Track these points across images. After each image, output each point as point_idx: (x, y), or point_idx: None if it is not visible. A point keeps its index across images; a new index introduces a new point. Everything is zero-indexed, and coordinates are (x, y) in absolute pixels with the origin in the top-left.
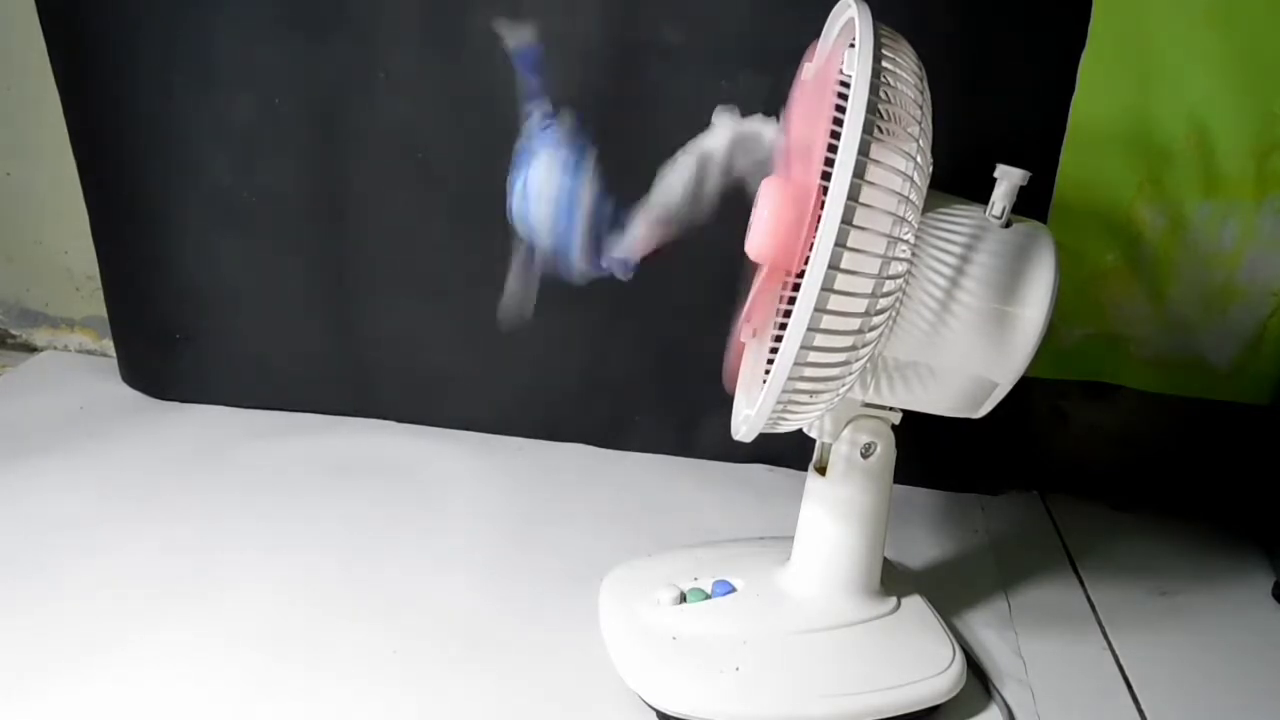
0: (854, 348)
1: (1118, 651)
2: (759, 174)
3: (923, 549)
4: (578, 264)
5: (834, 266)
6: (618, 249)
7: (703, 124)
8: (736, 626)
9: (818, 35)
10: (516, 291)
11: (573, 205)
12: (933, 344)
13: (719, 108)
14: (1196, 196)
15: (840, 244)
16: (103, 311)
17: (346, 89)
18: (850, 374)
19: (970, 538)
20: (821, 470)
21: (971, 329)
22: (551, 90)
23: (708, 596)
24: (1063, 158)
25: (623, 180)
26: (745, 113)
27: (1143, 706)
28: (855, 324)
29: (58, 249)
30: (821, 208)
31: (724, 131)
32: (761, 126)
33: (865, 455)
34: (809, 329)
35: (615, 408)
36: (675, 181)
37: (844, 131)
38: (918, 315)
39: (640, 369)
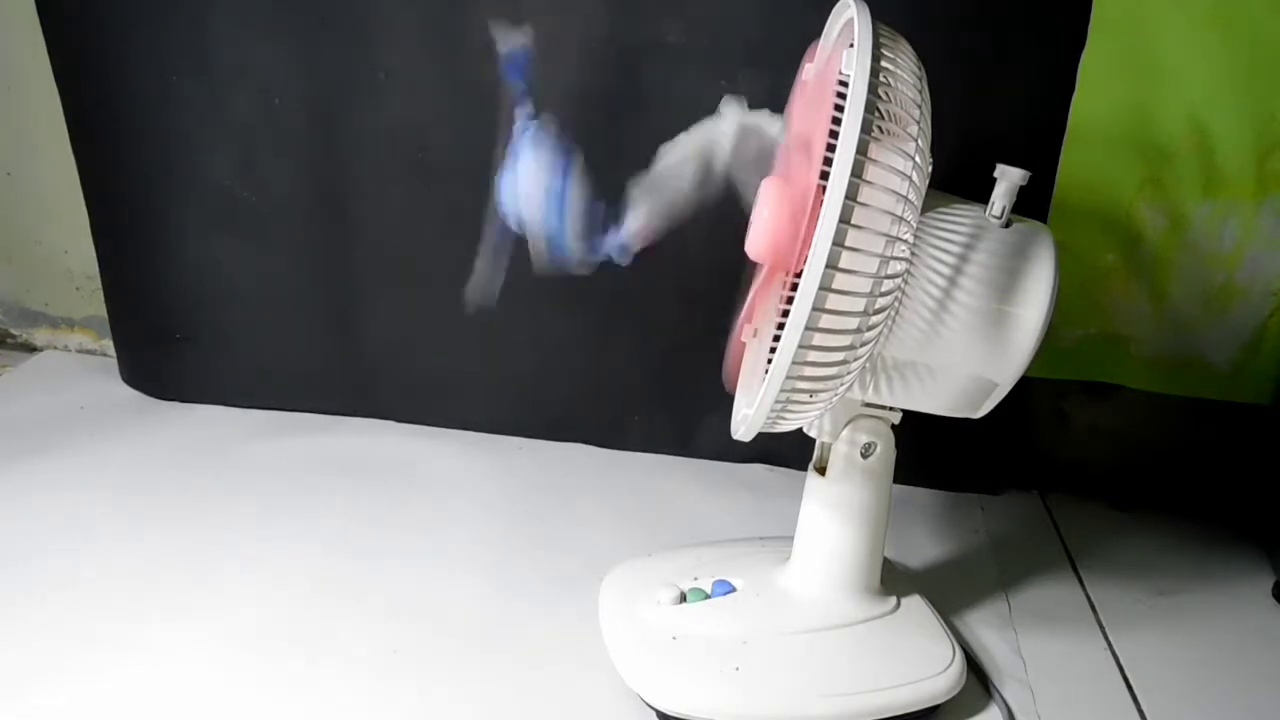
0: (852, 347)
1: (1118, 651)
2: (758, 169)
3: (923, 549)
4: (574, 252)
5: (832, 266)
6: (617, 234)
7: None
8: (736, 626)
9: (818, 35)
10: (484, 272)
11: (562, 205)
12: (932, 344)
13: (727, 97)
14: (1196, 196)
15: (839, 243)
16: (103, 311)
17: (346, 89)
18: (849, 373)
19: (970, 538)
20: (821, 470)
21: (971, 329)
22: (537, 93)
23: (708, 596)
24: (1063, 158)
25: (621, 180)
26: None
27: (1143, 706)
28: (854, 323)
29: (58, 249)
30: (820, 207)
31: (731, 120)
32: (767, 121)
33: (865, 455)
34: (807, 328)
35: (615, 408)
36: (677, 166)
37: (842, 131)
38: (917, 315)
39: (640, 369)
